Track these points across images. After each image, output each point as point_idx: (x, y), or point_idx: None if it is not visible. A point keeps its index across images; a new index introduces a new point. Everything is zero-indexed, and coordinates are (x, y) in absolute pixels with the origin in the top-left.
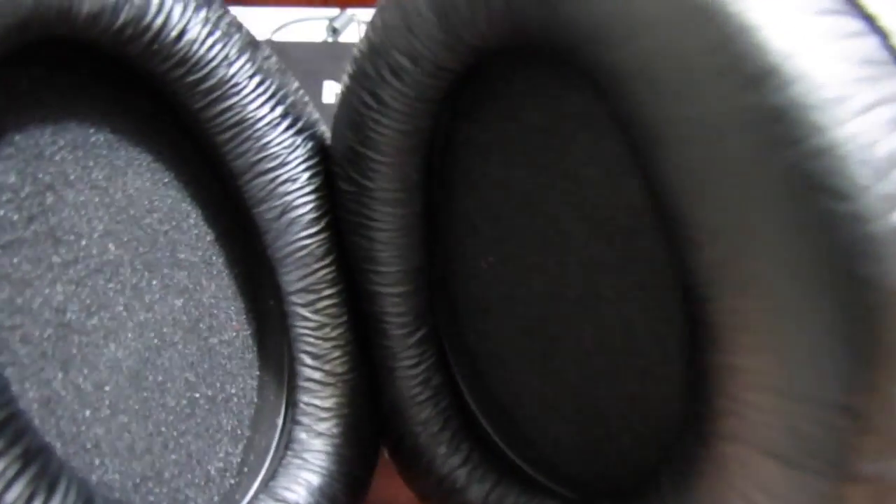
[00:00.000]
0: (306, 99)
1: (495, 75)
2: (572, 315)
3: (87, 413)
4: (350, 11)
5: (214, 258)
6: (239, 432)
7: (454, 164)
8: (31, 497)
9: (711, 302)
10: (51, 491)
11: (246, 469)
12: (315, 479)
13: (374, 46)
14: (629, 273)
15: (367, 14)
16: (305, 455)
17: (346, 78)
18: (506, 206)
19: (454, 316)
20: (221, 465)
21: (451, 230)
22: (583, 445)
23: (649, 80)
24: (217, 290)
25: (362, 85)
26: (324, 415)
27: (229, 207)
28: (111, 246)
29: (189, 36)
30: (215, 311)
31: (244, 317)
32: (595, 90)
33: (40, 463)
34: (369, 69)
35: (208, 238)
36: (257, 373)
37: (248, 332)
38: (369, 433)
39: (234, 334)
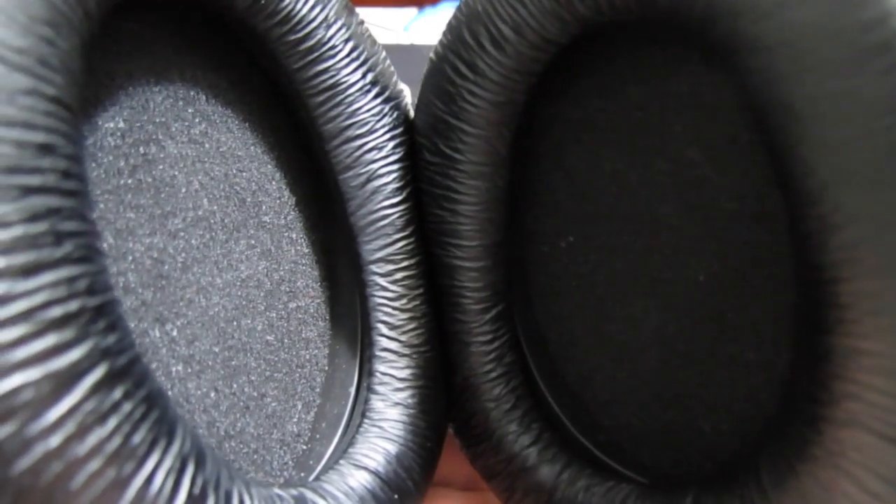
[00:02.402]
0: (392, 69)
1: (595, 50)
2: (657, 299)
3: (180, 367)
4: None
5: (295, 223)
6: (311, 398)
7: (541, 139)
8: (153, 441)
9: (842, 284)
10: (170, 437)
11: (318, 436)
12: (392, 448)
13: (475, 13)
14: (726, 258)
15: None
16: (382, 424)
17: (439, 46)
18: (593, 185)
19: (528, 295)
20: (295, 429)
21: (531, 207)
22: (658, 431)
23: (796, 55)
24: (296, 255)
25: (458, 53)
26: (400, 385)
27: (311, 173)
28: (205, 201)
29: None
30: (294, 276)
31: (319, 284)
32: (720, 66)
33: (161, 408)
34: (468, 37)
35: (290, 202)
36: (329, 341)
37: (322, 300)
38: (442, 407)
39: (310, 300)
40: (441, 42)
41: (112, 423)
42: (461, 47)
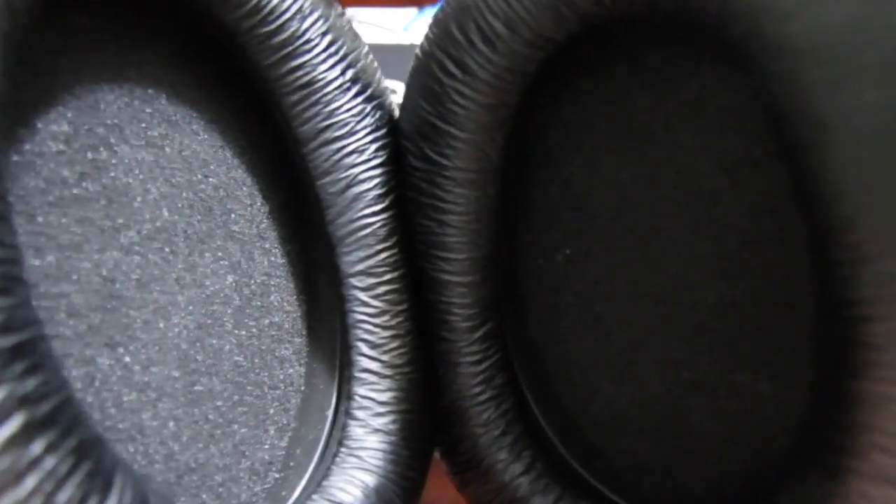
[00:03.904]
0: (375, 64)
1: (595, 48)
2: (661, 320)
3: (133, 395)
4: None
5: (268, 232)
6: (285, 422)
7: (535, 144)
8: (83, 499)
9: (875, 323)
10: (105, 492)
11: (292, 463)
12: (371, 480)
13: (465, 7)
14: (737, 280)
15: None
16: (360, 453)
17: (424, 42)
18: (592, 195)
19: (521, 312)
20: (267, 457)
21: (524, 218)
22: (659, 461)
23: (827, 60)
24: (269, 267)
25: (446, 51)
26: (380, 409)
27: (285, 179)
28: (165, 212)
29: None
30: (266, 291)
31: (295, 298)
32: (735, 69)
33: (94, 457)
34: (456, 32)
35: (263, 210)
36: (305, 359)
37: (298, 315)
38: (426, 432)
39: (285, 316)
40: (427, 37)
41: (30, 482)
42: (449, 44)
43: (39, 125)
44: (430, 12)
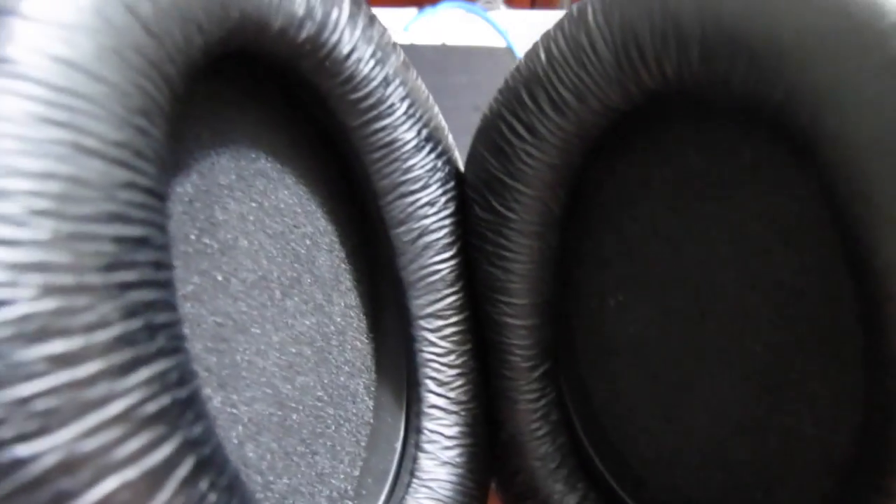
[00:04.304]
0: (444, 124)
1: (655, 116)
2: (711, 364)
3: (240, 430)
4: None
5: (344, 276)
6: (357, 453)
7: (594, 198)
8: None
9: None
10: None
11: (364, 492)
12: None
13: (536, 77)
14: (786, 331)
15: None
16: (431, 484)
17: (494, 103)
18: (646, 247)
19: (573, 353)
20: (343, 485)
21: (580, 264)
22: (705, 496)
23: (883, 152)
24: (345, 308)
25: (515, 114)
26: (448, 443)
27: (360, 227)
28: (264, 261)
29: (357, 55)
30: (343, 329)
31: (365, 337)
32: (787, 146)
33: (240, 494)
34: (526, 99)
35: (340, 256)
36: (374, 394)
37: (368, 353)
38: (487, 464)
39: (357, 353)
40: (496, 99)
41: None
42: (518, 108)
43: (171, 189)
44: (430, 12)
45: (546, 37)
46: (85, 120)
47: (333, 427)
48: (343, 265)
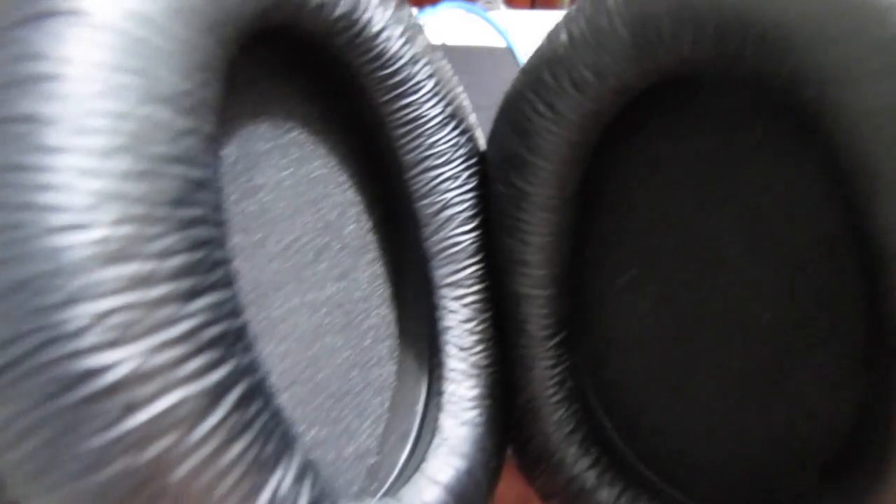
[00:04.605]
0: (467, 103)
1: (669, 94)
2: (720, 336)
3: (274, 380)
4: None
5: (370, 246)
6: (380, 414)
7: (609, 174)
8: (280, 454)
9: None
10: (292, 450)
11: (387, 449)
12: (462, 464)
13: (558, 56)
14: (791, 302)
15: None
16: (452, 441)
17: (516, 83)
18: (658, 223)
19: (587, 324)
20: (367, 443)
21: (594, 239)
22: (714, 461)
23: (885, 125)
24: (371, 276)
25: (537, 93)
26: (468, 405)
27: (384, 200)
28: (297, 226)
29: (387, 33)
30: (368, 296)
31: (388, 304)
32: (794, 122)
33: (284, 423)
34: (548, 78)
35: (367, 226)
36: (396, 359)
37: (391, 320)
38: (504, 427)
39: (381, 320)
40: (518, 80)
41: (250, 435)
42: (540, 87)
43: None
44: (430, 12)
45: (568, 18)
46: (157, 69)
47: (359, 388)
48: (369, 236)
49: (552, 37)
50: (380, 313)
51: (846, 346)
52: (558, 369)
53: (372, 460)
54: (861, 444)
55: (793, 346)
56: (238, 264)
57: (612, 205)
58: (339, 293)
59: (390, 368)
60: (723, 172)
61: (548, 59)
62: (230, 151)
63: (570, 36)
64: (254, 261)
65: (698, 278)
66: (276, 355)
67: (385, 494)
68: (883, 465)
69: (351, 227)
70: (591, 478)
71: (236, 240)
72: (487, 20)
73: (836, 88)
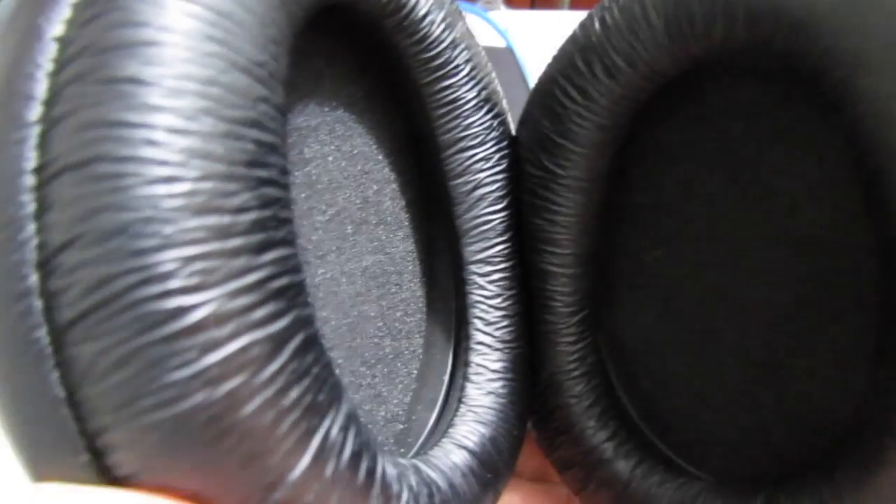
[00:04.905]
0: (499, 88)
1: (698, 80)
2: (738, 313)
3: None
4: None
5: (405, 222)
6: (408, 383)
7: (637, 158)
8: (331, 401)
9: None
10: (341, 399)
11: (414, 417)
12: (487, 431)
13: (591, 43)
14: (811, 282)
15: None
16: (478, 409)
17: (550, 69)
18: (684, 205)
19: (611, 302)
20: (396, 410)
21: (621, 221)
22: (729, 436)
23: None
24: (405, 251)
25: (569, 78)
26: (493, 376)
27: (420, 178)
28: (340, 199)
29: (431, 17)
30: (402, 270)
31: (419, 279)
32: (818, 109)
33: (334, 374)
34: (580, 64)
35: (402, 203)
36: (425, 331)
37: (421, 294)
38: (526, 399)
39: (412, 293)
40: (551, 65)
41: (307, 382)
42: (573, 73)
43: None
44: None
45: (601, 7)
46: (238, 40)
47: (390, 356)
48: (403, 213)
49: (586, 25)
50: (411, 287)
51: (860, 322)
52: (580, 345)
53: (400, 426)
54: (871, 415)
55: (810, 325)
56: (306, 229)
57: (639, 187)
58: (374, 265)
59: (419, 340)
60: (747, 157)
61: (581, 46)
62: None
63: (604, 23)
64: (301, 229)
65: (721, 259)
66: (318, 320)
67: (414, 456)
68: (890, 433)
69: (388, 203)
70: (608, 449)
71: (297, 207)
72: (487, 20)
73: (862, 73)
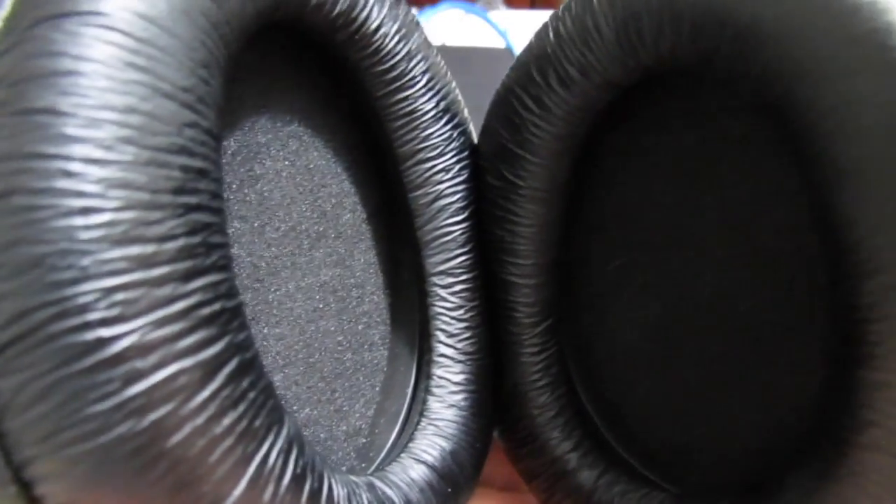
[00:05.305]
0: (460, 98)
1: (653, 89)
2: (698, 322)
3: (269, 361)
4: None
5: (365, 235)
6: (371, 396)
7: (595, 167)
8: (269, 426)
9: (873, 323)
10: (280, 423)
11: (377, 430)
12: (448, 445)
13: (545, 54)
14: (767, 289)
15: None
16: (439, 423)
17: (506, 80)
18: (642, 214)
19: (574, 311)
20: (358, 424)
21: (582, 230)
22: (691, 445)
23: (847, 120)
24: (365, 264)
25: (526, 89)
26: (454, 388)
27: (380, 189)
28: (294, 214)
29: (384, 30)
30: (362, 283)
31: (381, 291)
32: (769, 119)
33: (274, 397)
34: (536, 75)
35: (362, 216)
36: (388, 344)
37: (384, 306)
38: (490, 411)
39: (374, 306)
40: (509, 76)
41: (241, 407)
42: (529, 84)
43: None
44: (429, 13)
45: (555, 17)
46: (161, 67)
47: (351, 370)
48: (364, 225)
49: (541, 34)
50: (373, 300)
51: (814, 329)
52: (544, 355)
53: (362, 440)
54: (823, 426)
55: (767, 335)
56: (237, 250)
57: (599, 195)
58: (334, 279)
59: (382, 353)
60: (703, 165)
61: (536, 56)
62: (231, 143)
63: (557, 34)
64: (252, 247)
65: (680, 267)
66: (272, 337)
67: (373, 472)
68: (841, 433)
69: (347, 216)
70: (572, 459)
71: (236, 226)
72: (487, 20)
73: (802, 85)
